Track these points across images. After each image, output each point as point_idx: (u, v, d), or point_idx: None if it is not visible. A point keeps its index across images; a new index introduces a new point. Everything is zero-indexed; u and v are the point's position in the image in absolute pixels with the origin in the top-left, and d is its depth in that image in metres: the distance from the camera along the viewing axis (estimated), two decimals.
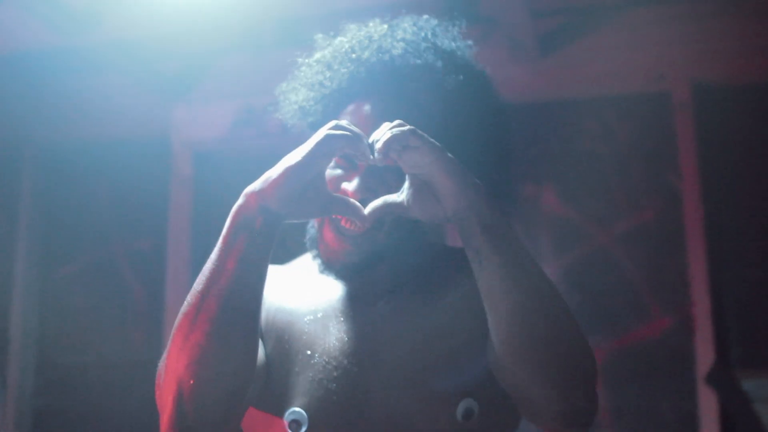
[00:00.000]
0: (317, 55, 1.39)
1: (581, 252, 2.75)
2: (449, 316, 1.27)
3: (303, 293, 1.33)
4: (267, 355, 1.27)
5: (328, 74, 1.35)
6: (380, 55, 1.33)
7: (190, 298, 1.08)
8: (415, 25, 1.38)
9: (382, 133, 1.11)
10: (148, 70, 2.95)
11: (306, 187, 1.08)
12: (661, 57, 2.72)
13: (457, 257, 1.32)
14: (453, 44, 1.38)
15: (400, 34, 1.35)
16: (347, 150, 1.10)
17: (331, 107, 1.35)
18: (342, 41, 1.37)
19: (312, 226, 1.34)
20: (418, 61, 1.32)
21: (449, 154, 1.11)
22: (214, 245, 3.05)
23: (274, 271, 1.37)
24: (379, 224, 1.26)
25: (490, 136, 1.37)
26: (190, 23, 2.57)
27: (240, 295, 1.07)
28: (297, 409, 1.22)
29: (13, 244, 3.13)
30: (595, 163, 2.77)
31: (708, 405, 2.53)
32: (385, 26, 1.38)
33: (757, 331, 2.60)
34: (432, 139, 1.11)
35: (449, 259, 1.35)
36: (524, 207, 2.79)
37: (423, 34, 1.36)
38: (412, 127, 1.10)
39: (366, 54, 1.33)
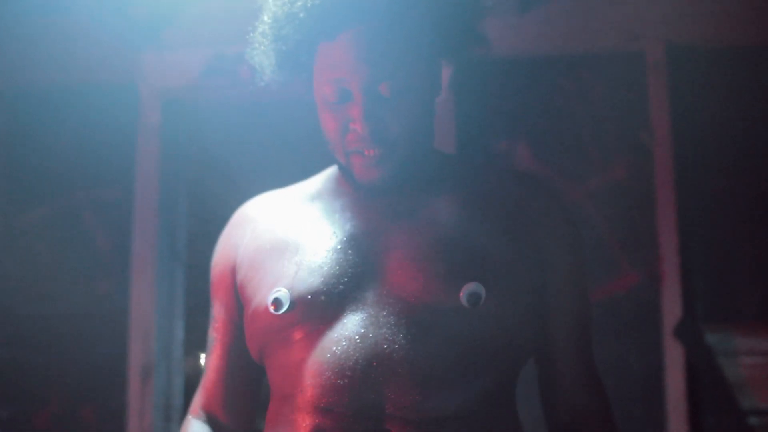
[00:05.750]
0: None
1: None
2: (456, 211, 1.28)
3: (310, 214, 1.34)
4: (262, 264, 1.30)
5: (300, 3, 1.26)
6: None
7: None
8: None
9: None
10: (115, 14, 2.86)
11: None
12: (636, 17, 2.75)
13: (464, 165, 1.39)
14: None
15: None
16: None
17: (306, 40, 1.28)
18: None
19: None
20: None
21: None
22: (181, 196, 3.02)
23: (277, 196, 1.40)
24: (391, 145, 1.25)
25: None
26: None
27: None
28: (280, 288, 1.23)
29: None
30: (568, 120, 2.80)
31: (674, 357, 2.60)
32: None
33: (723, 287, 2.68)
34: None
35: (459, 167, 1.38)
36: (498, 161, 2.81)
37: None
38: None
39: None
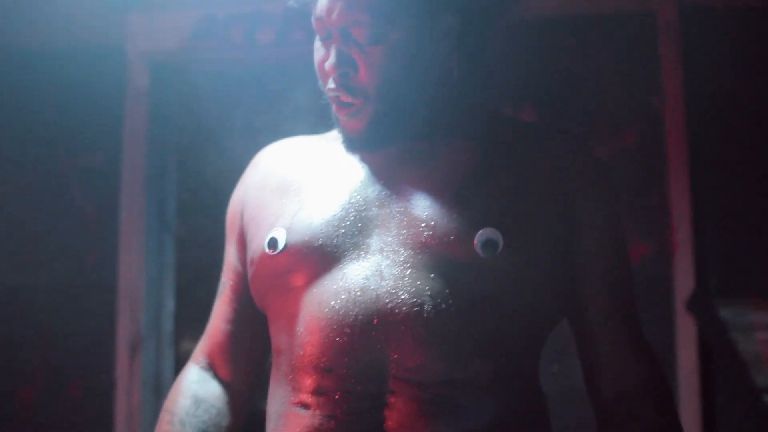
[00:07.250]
0: None
1: None
2: (477, 160, 1.20)
3: (321, 157, 1.30)
4: (265, 203, 1.28)
5: None
6: None
7: None
8: None
9: None
10: None
11: None
12: None
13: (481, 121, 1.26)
14: None
15: None
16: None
17: None
18: None
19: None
20: None
21: None
22: (171, 163, 2.96)
23: (297, 140, 1.38)
24: (364, 95, 1.19)
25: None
26: None
27: None
28: (278, 227, 1.19)
29: None
30: (575, 84, 2.72)
31: (686, 333, 2.55)
32: None
33: (737, 259, 2.61)
34: None
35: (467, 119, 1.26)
36: None
37: None
38: None
39: None
